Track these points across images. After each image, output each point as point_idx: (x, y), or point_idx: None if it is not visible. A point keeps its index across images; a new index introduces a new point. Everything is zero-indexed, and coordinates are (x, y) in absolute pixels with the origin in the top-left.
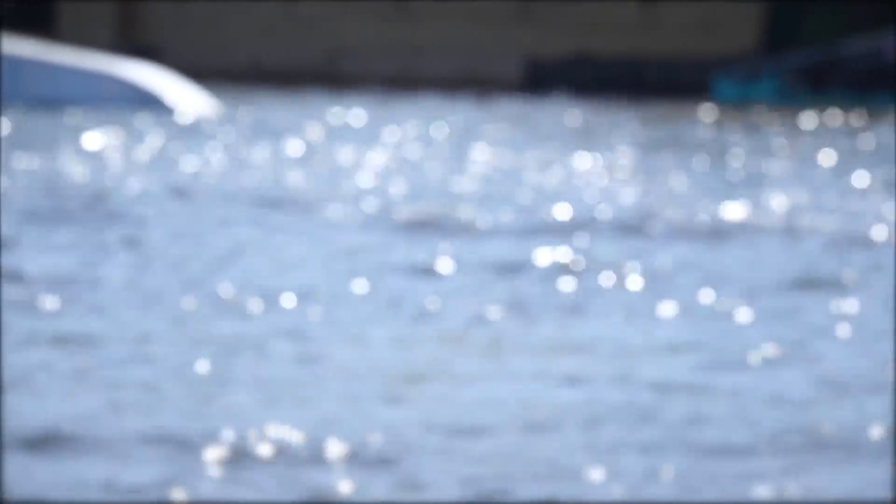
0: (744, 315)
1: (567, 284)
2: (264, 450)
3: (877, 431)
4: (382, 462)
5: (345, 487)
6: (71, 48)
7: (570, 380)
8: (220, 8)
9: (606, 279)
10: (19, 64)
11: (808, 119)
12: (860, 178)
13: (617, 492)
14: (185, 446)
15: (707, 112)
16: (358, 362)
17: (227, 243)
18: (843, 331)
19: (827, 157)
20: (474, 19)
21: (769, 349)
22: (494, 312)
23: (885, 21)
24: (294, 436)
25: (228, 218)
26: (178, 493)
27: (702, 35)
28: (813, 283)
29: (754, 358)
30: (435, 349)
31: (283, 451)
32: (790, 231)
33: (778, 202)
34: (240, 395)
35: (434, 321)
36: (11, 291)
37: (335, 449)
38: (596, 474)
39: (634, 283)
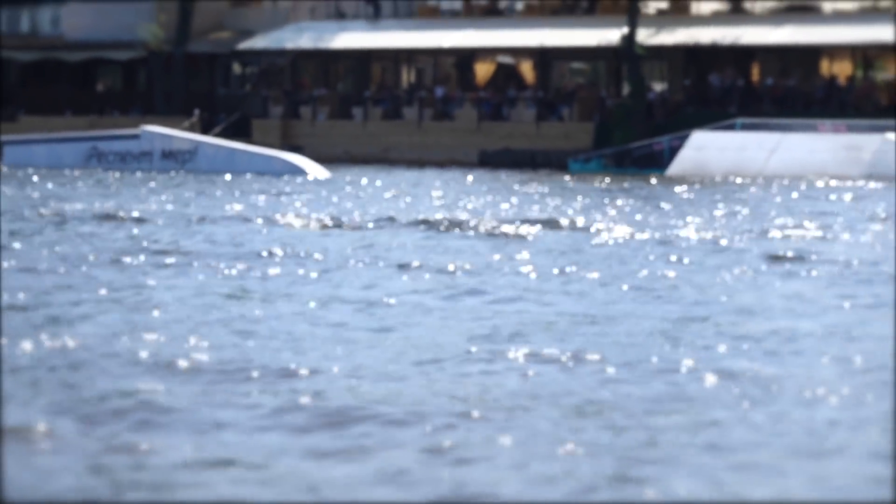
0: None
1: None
2: None
3: None
4: None
5: None
6: (258, 146)
7: None
8: (329, 127)
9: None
10: (233, 152)
11: (610, 181)
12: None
13: None
14: None
15: (564, 178)
16: None
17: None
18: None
19: (614, 199)
20: (454, 132)
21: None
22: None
23: (656, 133)
24: None
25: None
26: None
27: (564, 139)
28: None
29: None
30: None
31: None
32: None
33: (583, 216)
34: None
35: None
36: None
37: None
38: None
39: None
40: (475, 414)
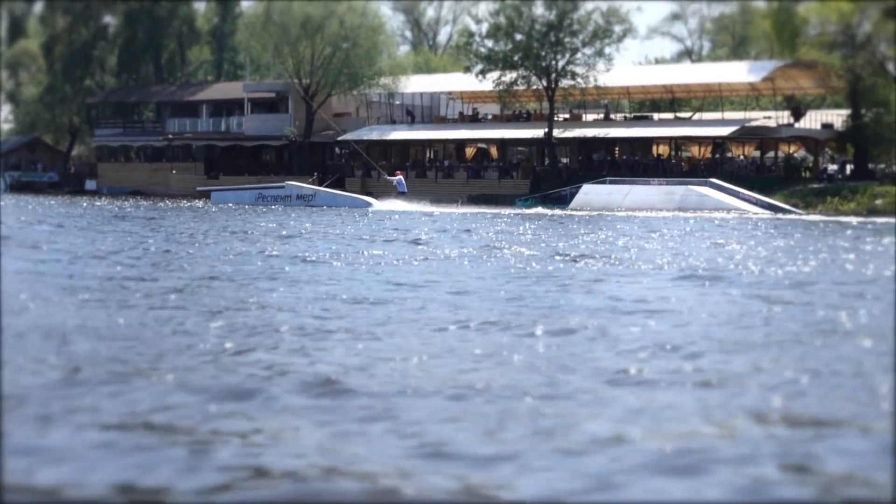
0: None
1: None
2: None
3: None
4: None
5: None
6: (349, 192)
7: None
8: (386, 182)
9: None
10: (335, 194)
11: (537, 211)
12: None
13: None
14: None
15: (512, 210)
16: None
17: None
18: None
19: (538, 221)
20: (454, 184)
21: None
22: None
23: (563, 185)
24: None
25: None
26: None
27: (514, 189)
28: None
29: None
30: None
31: None
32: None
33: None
34: None
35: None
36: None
37: None
38: None
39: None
40: None
